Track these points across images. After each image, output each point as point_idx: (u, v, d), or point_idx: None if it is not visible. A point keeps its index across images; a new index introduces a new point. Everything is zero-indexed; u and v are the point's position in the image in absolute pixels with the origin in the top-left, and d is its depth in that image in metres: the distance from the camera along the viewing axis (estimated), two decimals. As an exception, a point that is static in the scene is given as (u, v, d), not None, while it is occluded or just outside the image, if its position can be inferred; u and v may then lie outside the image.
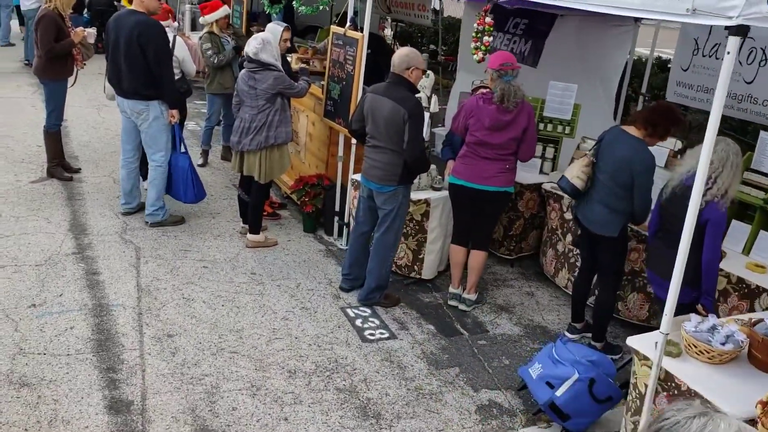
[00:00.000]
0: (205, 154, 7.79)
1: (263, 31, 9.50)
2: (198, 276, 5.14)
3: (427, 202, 5.15)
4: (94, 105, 9.77)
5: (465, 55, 9.38)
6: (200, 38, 7.32)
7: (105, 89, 6.70)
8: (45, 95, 6.60)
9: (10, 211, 5.91)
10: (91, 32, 6.78)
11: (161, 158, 5.82)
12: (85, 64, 6.72)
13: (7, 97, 9.77)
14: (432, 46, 17.41)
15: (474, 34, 4.45)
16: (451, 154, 5.44)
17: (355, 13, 5.59)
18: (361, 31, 5.43)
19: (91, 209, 6.16)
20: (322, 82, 6.18)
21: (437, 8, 12.91)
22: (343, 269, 5.14)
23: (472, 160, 4.73)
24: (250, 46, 5.31)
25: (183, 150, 5.90)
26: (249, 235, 5.70)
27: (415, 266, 5.32)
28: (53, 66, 6.41)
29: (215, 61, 7.18)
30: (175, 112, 5.71)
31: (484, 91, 4.99)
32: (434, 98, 5.44)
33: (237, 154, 5.59)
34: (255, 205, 5.66)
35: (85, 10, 13.65)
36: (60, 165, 6.86)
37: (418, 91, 4.69)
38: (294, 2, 6.56)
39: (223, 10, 7.29)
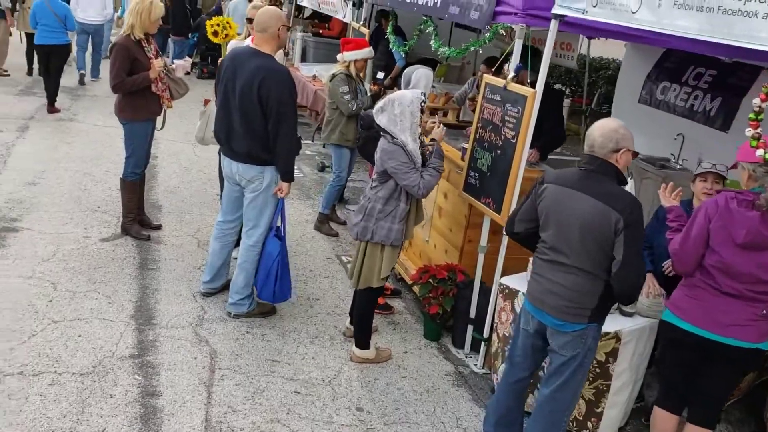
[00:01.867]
0: (324, 219, 6.48)
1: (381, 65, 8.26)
2: (287, 409, 3.75)
3: (616, 336, 3.57)
4: (189, 139, 8.73)
5: (621, 104, 7.73)
6: (334, 77, 6.08)
7: (197, 131, 5.57)
8: (124, 137, 5.51)
9: (67, 282, 4.78)
10: (182, 64, 5.64)
11: (260, 237, 4.52)
12: (171, 105, 5.57)
13: (98, 126, 8.93)
14: (557, 85, 15.67)
15: (753, 116, 2.83)
16: (650, 265, 3.84)
17: (521, 60, 4.11)
18: (532, 86, 3.96)
19: (165, 285, 4.95)
20: (464, 145, 4.73)
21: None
22: (485, 424, 3.59)
23: (707, 293, 3.11)
24: (379, 103, 3.97)
25: (280, 232, 4.57)
26: (355, 349, 4.29)
27: (590, 422, 3.73)
28: (131, 103, 5.29)
29: (353, 108, 5.95)
30: (286, 186, 4.42)
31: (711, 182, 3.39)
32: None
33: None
34: (361, 315, 4.26)
35: (190, 33, 12.89)
36: (137, 220, 5.73)
37: (626, 182, 3.16)
38: (432, 42, 5.19)
39: (369, 51, 6.06)
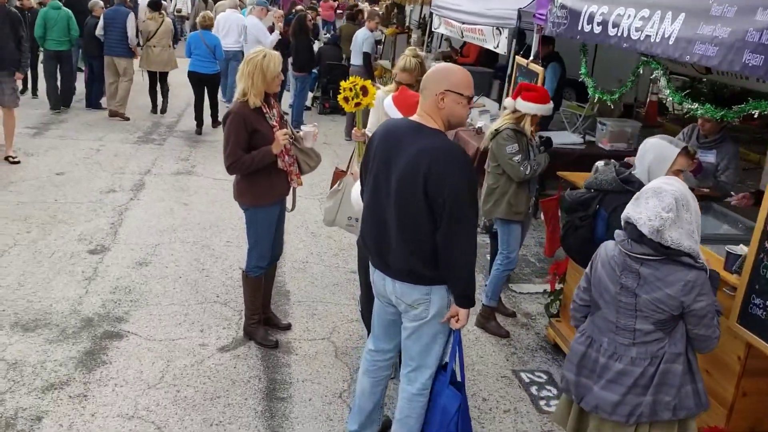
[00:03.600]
0: (490, 313, 5.07)
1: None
2: None
3: None
4: (315, 193, 7.68)
5: None
6: (497, 132, 4.73)
7: (326, 213, 4.41)
8: (246, 225, 4.40)
9: (177, 425, 3.66)
10: (311, 131, 4.41)
11: (426, 382, 3.20)
12: (301, 182, 4.40)
13: (218, 179, 8.01)
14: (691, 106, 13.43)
15: None
16: None
17: None
18: None
19: (300, 426, 3.74)
20: (732, 249, 3.20)
21: None
22: None
23: None
24: (639, 207, 2.54)
25: (455, 375, 3.23)
26: None
27: None
28: (253, 185, 4.18)
29: (526, 173, 4.60)
30: (463, 314, 3.07)
31: None
32: None
33: (571, 404, 2.83)
34: None
35: (315, 66, 11.90)
36: (262, 321, 4.60)
37: None
38: (669, 94, 3.69)
39: (549, 107, 4.66)
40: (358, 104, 4.20)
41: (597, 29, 4.22)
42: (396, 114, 3.60)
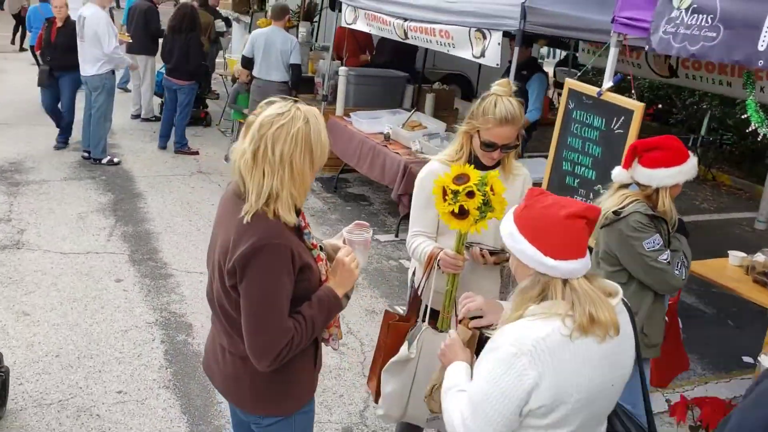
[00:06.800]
0: None
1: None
2: None
3: None
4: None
5: None
6: (619, 216, 2.80)
7: (385, 404, 2.31)
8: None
9: None
10: (362, 241, 2.20)
11: None
12: (341, 335, 2.23)
13: (66, 253, 5.28)
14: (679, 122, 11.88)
15: None
16: None
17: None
18: None
19: None
20: None
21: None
22: None
23: None
24: None
25: None
26: None
27: None
28: (292, 376, 2.05)
29: (682, 278, 2.86)
30: None
31: None
32: None
33: None
34: None
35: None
36: None
37: None
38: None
39: (692, 167, 2.77)
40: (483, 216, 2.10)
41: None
42: (535, 257, 1.65)
